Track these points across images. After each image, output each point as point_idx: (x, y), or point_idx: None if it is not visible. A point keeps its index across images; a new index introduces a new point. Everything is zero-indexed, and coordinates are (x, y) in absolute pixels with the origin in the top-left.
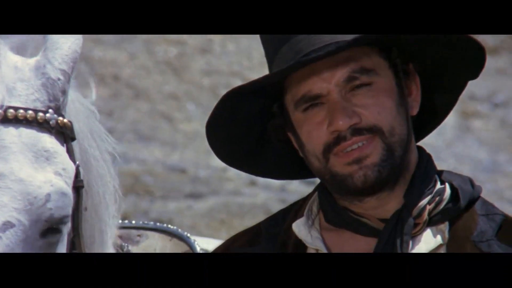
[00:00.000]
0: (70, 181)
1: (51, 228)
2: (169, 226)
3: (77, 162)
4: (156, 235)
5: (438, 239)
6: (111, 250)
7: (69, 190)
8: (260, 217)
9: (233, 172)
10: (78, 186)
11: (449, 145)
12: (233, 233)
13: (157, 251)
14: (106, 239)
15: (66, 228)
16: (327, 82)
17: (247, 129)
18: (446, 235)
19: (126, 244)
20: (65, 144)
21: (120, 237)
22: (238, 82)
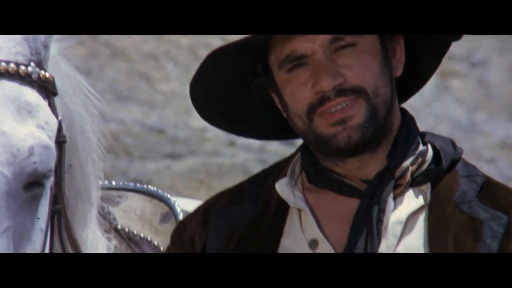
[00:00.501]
0: (53, 135)
1: (34, 182)
2: (149, 187)
3: (60, 117)
4: (136, 196)
5: (420, 200)
6: (95, 210)
7: (52, 144)
8: (239, 178)
9: (212, 132)
10: (60, 141)
11: (427, 104)
12: (212, 193)
13: (137, 212)
14: (91, 197)
15: (49, 182)
16: (312, 42)
17: (231, 89)
18: (428, 196)
19: (107, 205)
20: (47, 99)
21: (100, 198)
22: (217, 42)
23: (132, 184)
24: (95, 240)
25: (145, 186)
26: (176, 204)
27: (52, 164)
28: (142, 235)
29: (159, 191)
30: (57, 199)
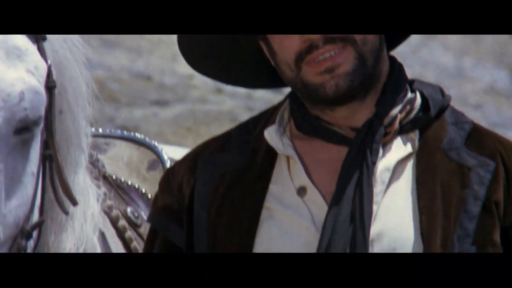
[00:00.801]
0: (42, 80)
1: (25, 127)
2: (137, 134)
3: (49, 62)
4: (123, 143)
5: (409, 148)
6: (86, 156)
7: (42, 89)
8: (226, 125)
9: (199, 79)
10: (50, 86)
11: (414, 51)
12: (200, 140)
13: (125, 160)
14: (81, 143)
15: (40, 128)
16: None
17: (219, 37)
18: (416, 144)
19: (95, 152)
20: (36, 43)
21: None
22: None
23: (119, 131)
24: (85, 187)
25: (132, 133)
26: (163, 151)
27: (42, 110)
28: (129, 183)
29: (146, 139)
30: (47, 144)
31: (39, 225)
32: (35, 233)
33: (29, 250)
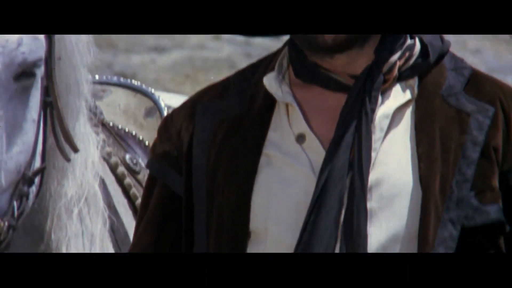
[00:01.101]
0: None
1: (24, 72)
2: (133, 81)
3: None
4: (120, 90)
5: (408, 95)
6: (86, 103)
7: (40, 35)
8: (224, 71)
9: None
10: None
11: None
12: (198, 87)
13: (121, 107)
14: (81, 90)
15: (39, 72)
16: None
17: None
18: (415, 90)
19: (93, 99)
20: None
21: None
22: None
23: (115, 78)
24: (86, 134)
25: (128, 80)
26: (160, 98)
27: (41, 53)
28: (126, 130)
29: (143, 86)
30: (48, 91)
31: (41, 171)
32: (37, 180)
33: (31, 197)
